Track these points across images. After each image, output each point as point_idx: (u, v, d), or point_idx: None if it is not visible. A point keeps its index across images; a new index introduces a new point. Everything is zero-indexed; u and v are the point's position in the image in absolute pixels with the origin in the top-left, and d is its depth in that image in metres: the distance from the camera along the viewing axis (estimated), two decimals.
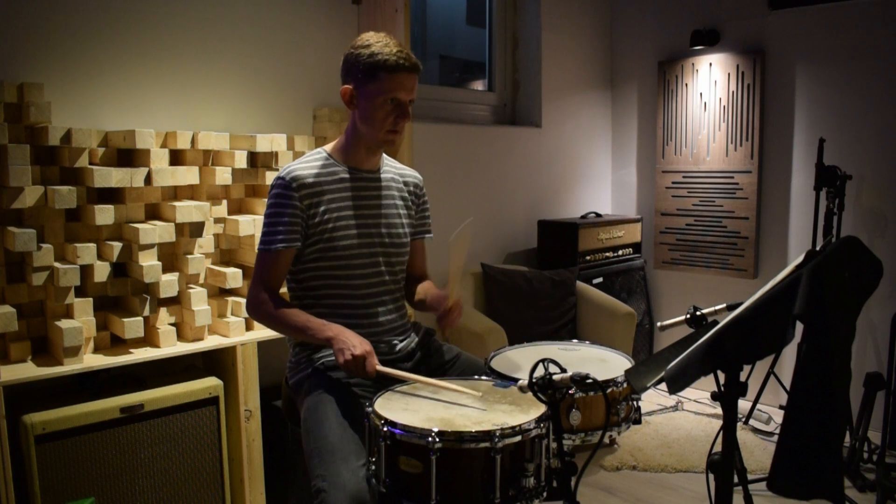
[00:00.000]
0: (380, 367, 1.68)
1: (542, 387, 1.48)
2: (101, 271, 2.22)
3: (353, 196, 1.89)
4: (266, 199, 1.86)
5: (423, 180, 2.09)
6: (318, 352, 1.87)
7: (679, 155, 4.17)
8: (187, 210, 2.33)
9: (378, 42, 1.81)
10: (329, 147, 1.94)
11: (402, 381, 1.72)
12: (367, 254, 1.89)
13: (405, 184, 2.03)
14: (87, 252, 2.18)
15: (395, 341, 1.93)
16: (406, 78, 1.81)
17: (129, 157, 2.33)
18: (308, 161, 1.88)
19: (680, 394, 3.68)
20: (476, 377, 1.80)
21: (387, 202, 1.96)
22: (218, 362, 2.47)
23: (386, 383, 1.74)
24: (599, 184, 4.54)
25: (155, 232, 2.24)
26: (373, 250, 1.90)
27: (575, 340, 2.16)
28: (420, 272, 2.11)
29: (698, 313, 1.78)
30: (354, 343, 1.68)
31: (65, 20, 2.30)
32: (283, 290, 1.92)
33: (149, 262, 2.23)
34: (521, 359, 1.96)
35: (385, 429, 1.45)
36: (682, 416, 3.72)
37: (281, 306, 1.81)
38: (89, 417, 2.08)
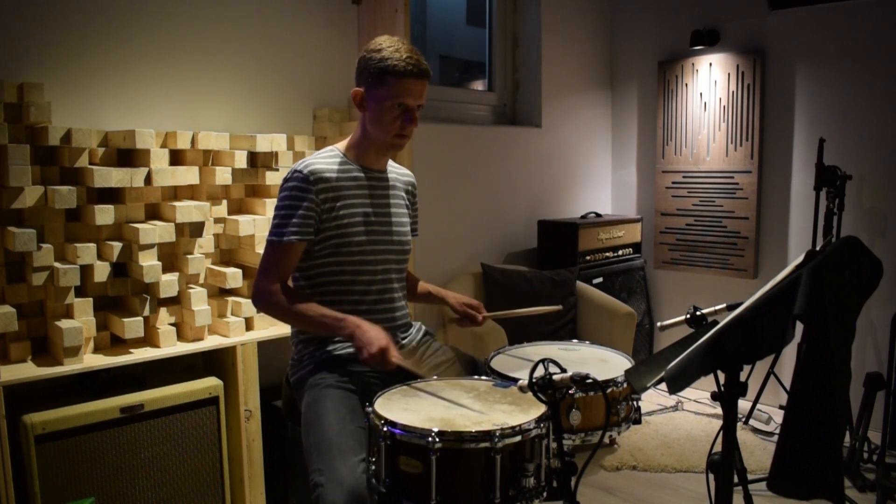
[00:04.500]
0: (399, 361, 1.71)
1: (542, 387, 1.48)
2: (101, 271, 2.22)
3: (367, 195, 1.92)
4: (278, 193, 1.86)
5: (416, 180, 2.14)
6: (321, 347, 1.88)
7: (679, 155, 4.17)
8: (187, 210, 2.33)
9: (390, 47, 1.82)
10: (341, 145, 1.96)
11: (415, 376, 1.74)
12: (378, 251, 1.92)
13: (404, 184, 2.07)
14: (87, 252, 2.18)
15: (398, 338, 1.95)
16: (414, 84, 1.82)
17: (129, 157, 2.33)
18: (324, 157, 1.89)
19: (680, 394, 3.68)
20: (476, 377, 1.80)
21: (394, 202, 1.99)
22: (218, 362, 2.47)
23: (397, 378, 1.76)
24: (599, 184, 4.54)
25: (155, 232, 2.24)
26: (383, 248, 1.93)
27: (575, 340, 2.16)
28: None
29: (698, 313, 1.78)
30: (372, 339, 1.69)
31: (65, 20, 2.30)
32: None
33: (149, 262, 2.23)
34: (521, 359, 1.96)
35: (385, 429, 1.45)
36: (682, 416, 3.72)
37: (293, 298, 1.81)
38: (89, 417, 2.08)
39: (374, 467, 1.50)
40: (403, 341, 1.97)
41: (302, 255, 1.87)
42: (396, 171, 2.06)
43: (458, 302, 2.08)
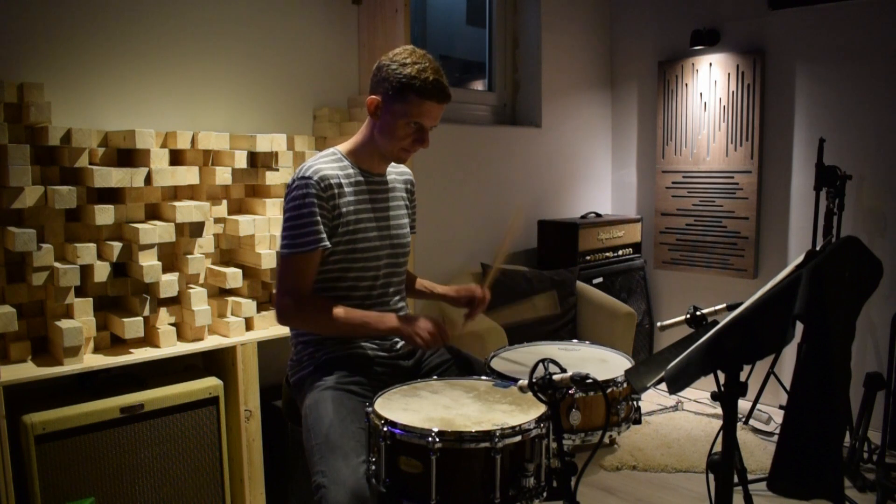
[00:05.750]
0: (457, 330, 1.86)
1: (542, 387, 1.48)
2: (101, 271, 2.22)
3: (368, 199, 1.91)
4: (284, 202, 1.83)
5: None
6: (321, 348, 1.87)
7: (679, 155, 4.17)
8: (187, 210, 2.33)
9: (417, 64, 1.78)
10: (342, 148, 1.94)
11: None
12: (380, 256, 1.91)
13: (403, 182, 2.06)
14: (87, 252, 2.18)
15: (398, 340, 1.95)
16: (434, 107, 1.81)
17: (129, 157, 2.33)
18: (326, 160, 1.88)
19: (680, 394, 3.68)
20: (476, 377, 1.80)
21: (393, 204, 1.99)
22: (218, 362, 2.47)
23: (394, 379, 1.78)
24: (599, 184, 4.54)
25: (155, 232, 2.24)
26: (385, 252, 1.92)
27: (575, 340, 2.16)
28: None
29: (698, 313, 1.77)
30: (423, 323, 1.78)
31: (65, 20, 2.30)
32: None
33: (149, 262, 2.23)
34: (521, 359, 1.96)
35: (385, 429, 1.45)
36: (682, 416, 3.72)
37: (325, 306, 1.80)
38: (89, 417, 2.08)
39: (373, 467, 1.50)
40: (402, 343, 1.95)
41: None
42: (395, 171, 2.05)
43: (458, 293, 2.05)
